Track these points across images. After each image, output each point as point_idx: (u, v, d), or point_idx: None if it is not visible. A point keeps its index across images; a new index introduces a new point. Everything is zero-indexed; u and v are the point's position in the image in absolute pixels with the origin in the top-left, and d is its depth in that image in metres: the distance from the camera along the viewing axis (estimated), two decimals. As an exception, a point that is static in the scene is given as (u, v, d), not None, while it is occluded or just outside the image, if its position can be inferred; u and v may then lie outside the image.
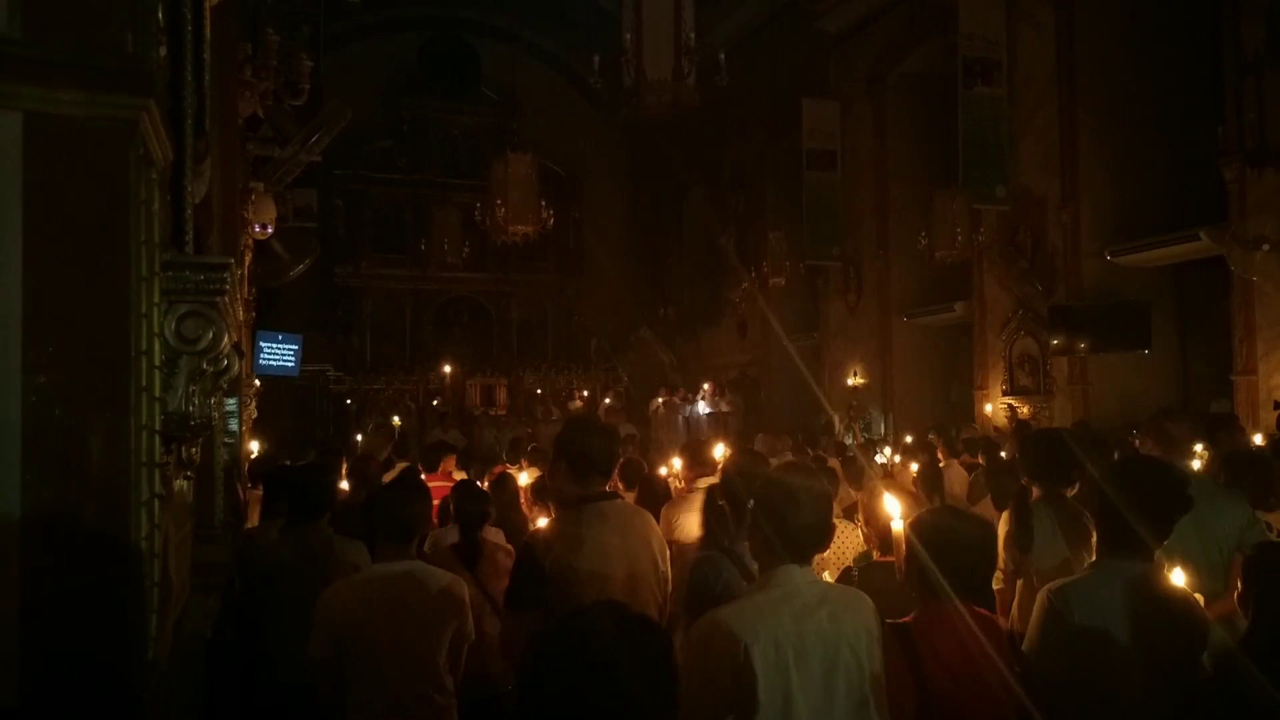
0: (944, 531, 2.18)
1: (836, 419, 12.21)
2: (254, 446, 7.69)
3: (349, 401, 15.65)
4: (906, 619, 2.17)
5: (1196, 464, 4.29)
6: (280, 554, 3.40)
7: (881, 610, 2.12)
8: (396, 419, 13.30)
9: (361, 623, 2.79)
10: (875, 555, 2.99)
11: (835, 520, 3.86)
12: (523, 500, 5.23)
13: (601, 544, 2.62)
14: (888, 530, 2.82)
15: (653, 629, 1.44)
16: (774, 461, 6.44)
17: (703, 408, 14.55)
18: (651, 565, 2.73)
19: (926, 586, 2.17)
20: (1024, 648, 2.36)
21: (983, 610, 2.24)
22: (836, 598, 2.05)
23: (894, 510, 2.62)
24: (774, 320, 15.10)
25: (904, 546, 2.30)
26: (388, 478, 5.08)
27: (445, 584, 2.96)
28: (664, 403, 14.24)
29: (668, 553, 2.87)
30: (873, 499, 2.98)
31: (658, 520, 4.20)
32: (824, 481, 2.18)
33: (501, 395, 17.12)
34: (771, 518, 2.02)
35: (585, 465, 2.72)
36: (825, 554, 3.81)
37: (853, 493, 4.78)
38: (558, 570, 2.58)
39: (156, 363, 1.72)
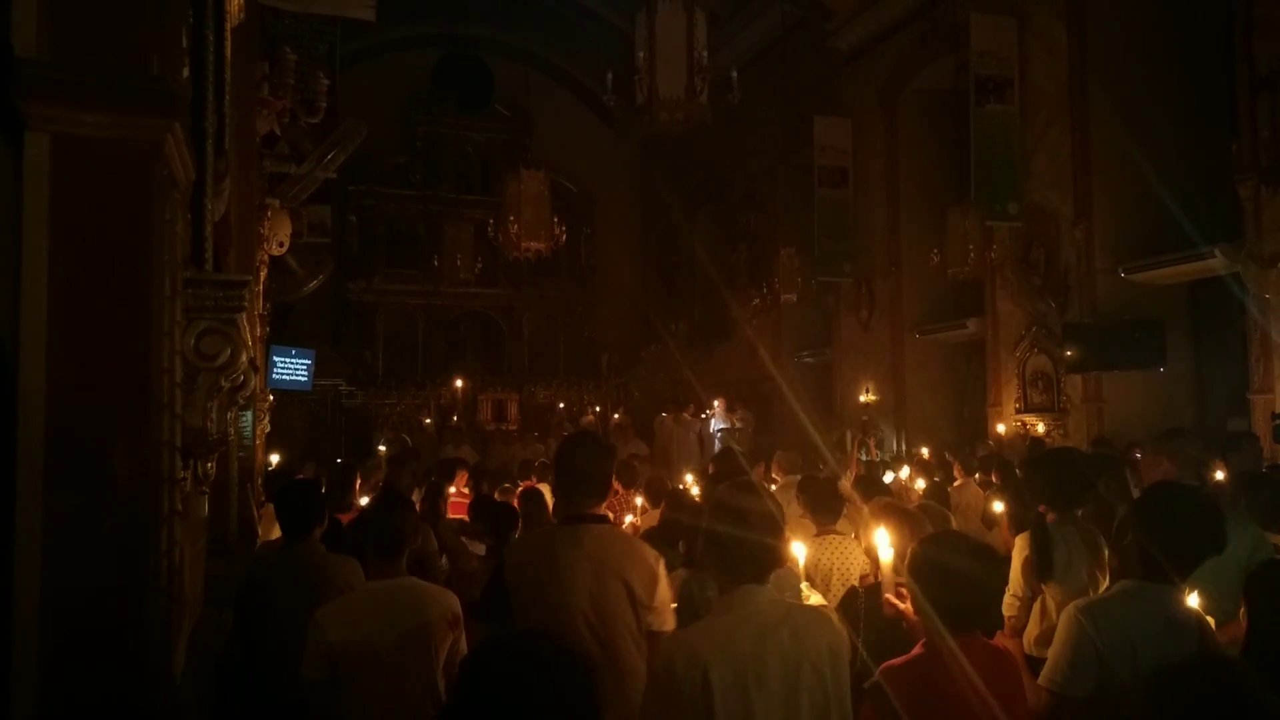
0: (945, 567, 2.13)
1: (849, 435, 12.15)
2: (273, 459, 7.70)
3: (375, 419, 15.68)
4: (902, 660, 2.13)
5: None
6: (274, 571, 3.39)
7: (889, 633, 2.09)
8: (406, 437, 13.34)
9: (358, 643, 2.74)
10: (873, 578, 2.95)
11: (840, 536, 3.87)
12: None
13: (570, 566, 2.56)
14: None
15: (575, 666, 1.42)
16: (786, 480, 6.43)
17: (715, 424, 14.51)
18: (623, 595, 2.60)
19: (931, 624, 2.12)
20: (1046, 670, 2.32)
21: (997, 642, 2.21)
22: (798, 616, 2.06)
23: (883, 542, 2.59)
24: (785, 337, 15.09)
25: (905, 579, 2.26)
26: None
27: (440, 599, 2.93)
28: (673, 418, 14.20)
29: (659, 581, 2.69)
30: (869, 523, 2.94)
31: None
32: (770, 500, 2.18)
33: (513, 410, 17.13)
34: (725, 539, 2.04)
35: (573, 484, 2.70)
36: (830, 567, 3.80)
37: (865, 509, 4.72)
38: (518, 585, 2.60)
39: (178, 380, 1.74)
